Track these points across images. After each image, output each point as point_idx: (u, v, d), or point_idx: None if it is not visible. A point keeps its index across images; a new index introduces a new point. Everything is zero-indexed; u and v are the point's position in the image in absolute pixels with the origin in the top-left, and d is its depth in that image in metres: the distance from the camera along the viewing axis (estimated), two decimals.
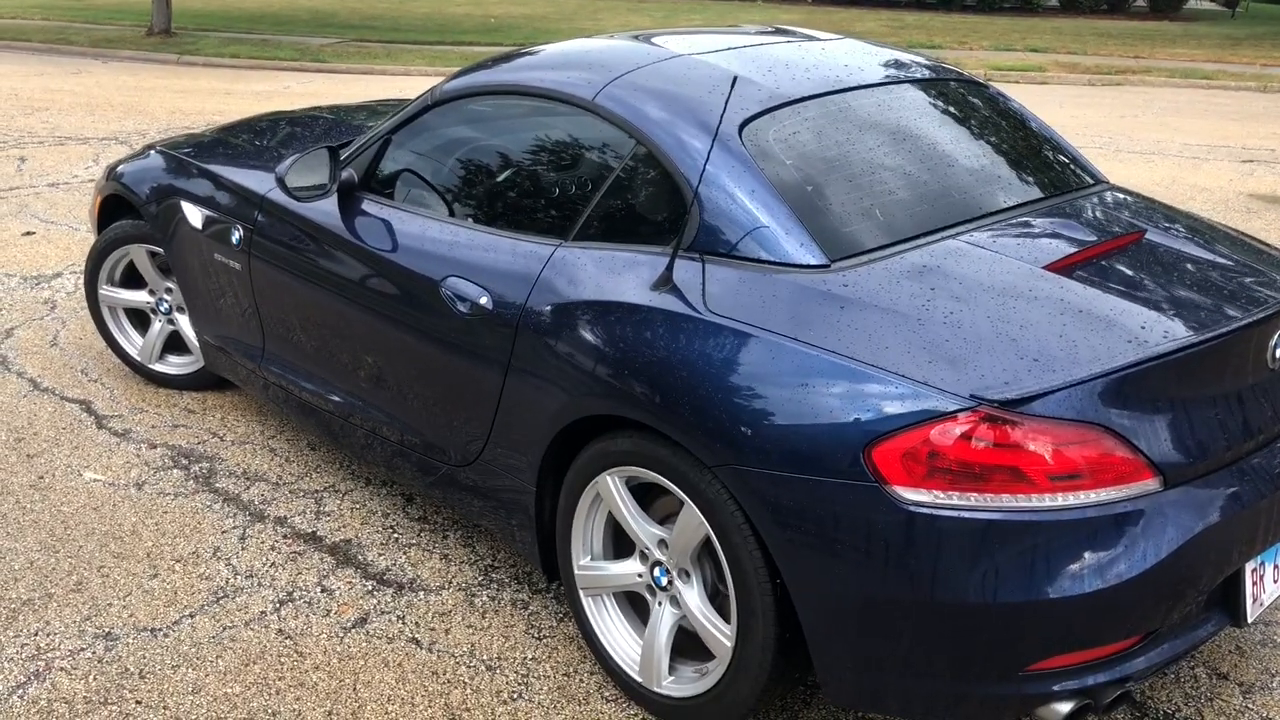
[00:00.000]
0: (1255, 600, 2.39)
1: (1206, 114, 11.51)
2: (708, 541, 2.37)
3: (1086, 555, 2.09)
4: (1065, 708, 2.19)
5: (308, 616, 2.92)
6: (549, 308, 2.61)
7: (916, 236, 2.52)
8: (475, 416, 2.83)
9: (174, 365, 4.25)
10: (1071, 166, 3.09)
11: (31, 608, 2.94)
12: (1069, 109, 11.75)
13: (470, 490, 2.95)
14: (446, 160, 3.13)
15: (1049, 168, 3.03)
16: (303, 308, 3.37)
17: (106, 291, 4.24)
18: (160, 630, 2.86)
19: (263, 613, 2.93)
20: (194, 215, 3.72)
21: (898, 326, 2.23)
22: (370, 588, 3.05)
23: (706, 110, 2.62)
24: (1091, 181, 3.06)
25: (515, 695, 2.65)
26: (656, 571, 2.54)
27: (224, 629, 2.87)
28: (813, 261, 2.38)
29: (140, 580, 3.07)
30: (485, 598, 3.02)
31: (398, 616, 2.93)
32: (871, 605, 2.17)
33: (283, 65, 14.31)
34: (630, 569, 2.61)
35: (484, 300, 2.75)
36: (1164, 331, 2.23)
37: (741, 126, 2.60)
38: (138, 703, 2.60)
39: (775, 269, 2.39)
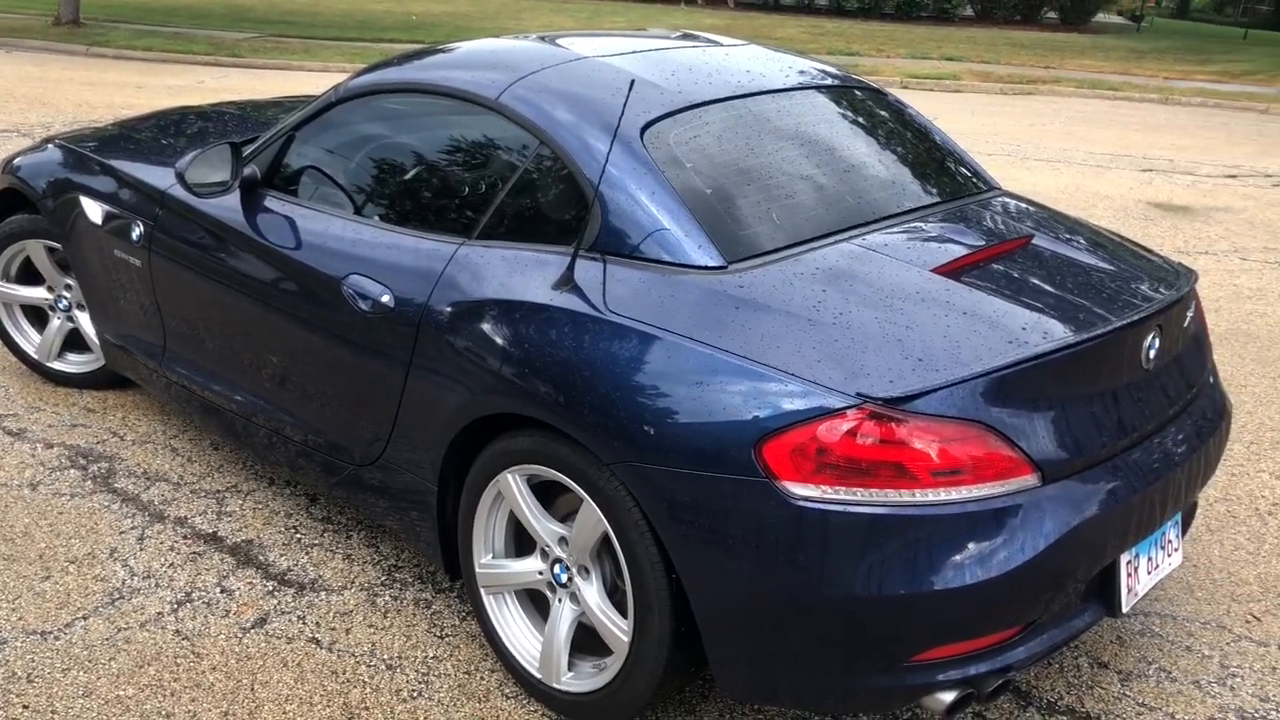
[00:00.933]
0: (1130, 591, 2.49)
1: (1111, 124, 11.87)
2: (607, 538, 2.40)
3: (968, 548, 2.16)
4: (949, 697, 2.26)
5: (206, 617, 2.89)
6: (451, 306, 2.62)
7: (813, 239, 2.57)
8: (377, 415, 2.83)
9: (73, 363, 4.16)
10: (966, 173, 3.18)
11: None
12: (980, 117, 12.04)
13: (373, 490, 2.95)
14: (351, 158, 3.12)
15: (944, 174, 3.12)
16: (205, 306, 3.33)
17: (2, 288, 4.14)
18: (51, 633, 2.81)
19: (159, 614, 2.89)
20: (94, 210, 3.65)
21: (790, 327, 2.29)
22: (271, 588, 3.03)
23: (609, 112, 2.65)
24: (985, 188, 3.15)
25: (415, 694, 2.65)
26: (557, 569, 2.57)
27: (118, 631, 2.82)
28: (710, 263, 2.43)
29: (31, 583, 3.00)
30: (388, 597, 3.01)
31: (298, 616, 2.91)
32: (763, 599, 2.21)
33: (197, 59, 14.03)
34: (531, 566, 2.63)
35: (386, 298, 2.75)
36: (1044, 332, 2.31)
37: (644, 129, 2.63)
38: (25, 707, 2.55)
39: (674, 270, 2.43)
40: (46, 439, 3.80)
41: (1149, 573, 2.57)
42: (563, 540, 2.54)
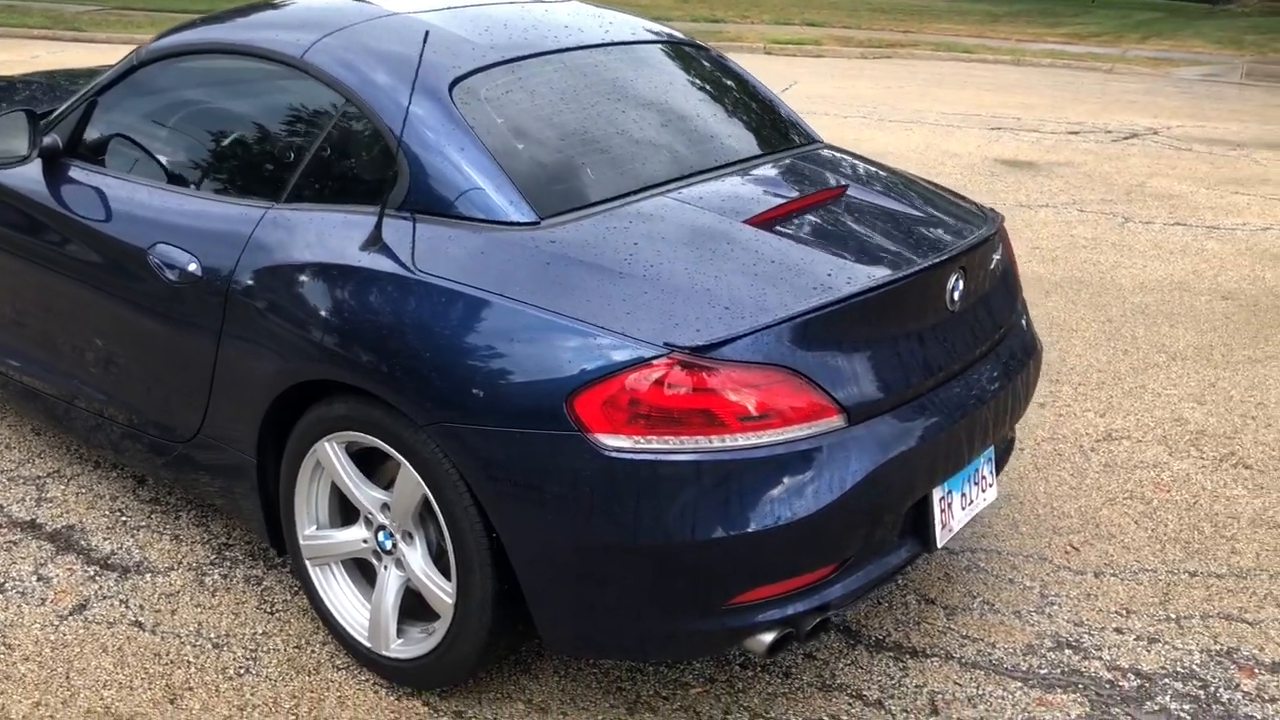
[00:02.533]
0: (944, 526, 2.57)
1: (965, 85, 12.18)
2: (427, 502, 2.38)
3: (778, 490, 2.19)
4: (769, 637, 2.30)
5: (20, 607, 2.77)
6: (258, 272, 2.55)
7: (629, 194, 2.57)
8: (192, 389, 2.74)
9: None
10: (787, 127, 3.22)
11: None
12: (839, 80, 12.23)
13: (195, 467, 2.86)
14: (155, 122, 3.00)
15: (765, 128, 3.16)
16: (13, 285, 3.17)
17: None
18: None
19: None
20: None
21: (600, 280, 2.28)
22: (92, 573, 2.92)
23: (414, 68, 2.60)
24: (806, 141, 3.19)
25: (242, 670, 2.59)
26: (381, 536, 2.53)
27: None
28: (522, 219, 2.41)
29: None
30: (217, 576, 2.93)
31: (120, 601, 2.81)
32: (581, 553, 2.22)
33: (33, 33, 13.35)
34: (355, 535, 2.59)
35: (192, 267, 2.65)
36: (848, 278, 2.36)
37: (453, 84, 2.59)
38: None
39: (485, 227, 2.40)
40: None
41: (963, 508, 2.65)
42: (385, 507, 2.50)
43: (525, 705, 2.53)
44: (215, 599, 2.84)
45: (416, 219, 2.45)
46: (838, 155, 3.15)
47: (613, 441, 2.14)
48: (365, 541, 2.57)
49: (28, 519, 3.15)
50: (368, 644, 2.57)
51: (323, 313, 2.42)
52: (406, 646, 2.53)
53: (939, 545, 2.56)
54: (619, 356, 2.15)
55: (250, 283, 2.55)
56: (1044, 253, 5.92)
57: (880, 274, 2.39)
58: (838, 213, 2.71)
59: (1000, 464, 2.96)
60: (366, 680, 2.59)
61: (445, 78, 2.59)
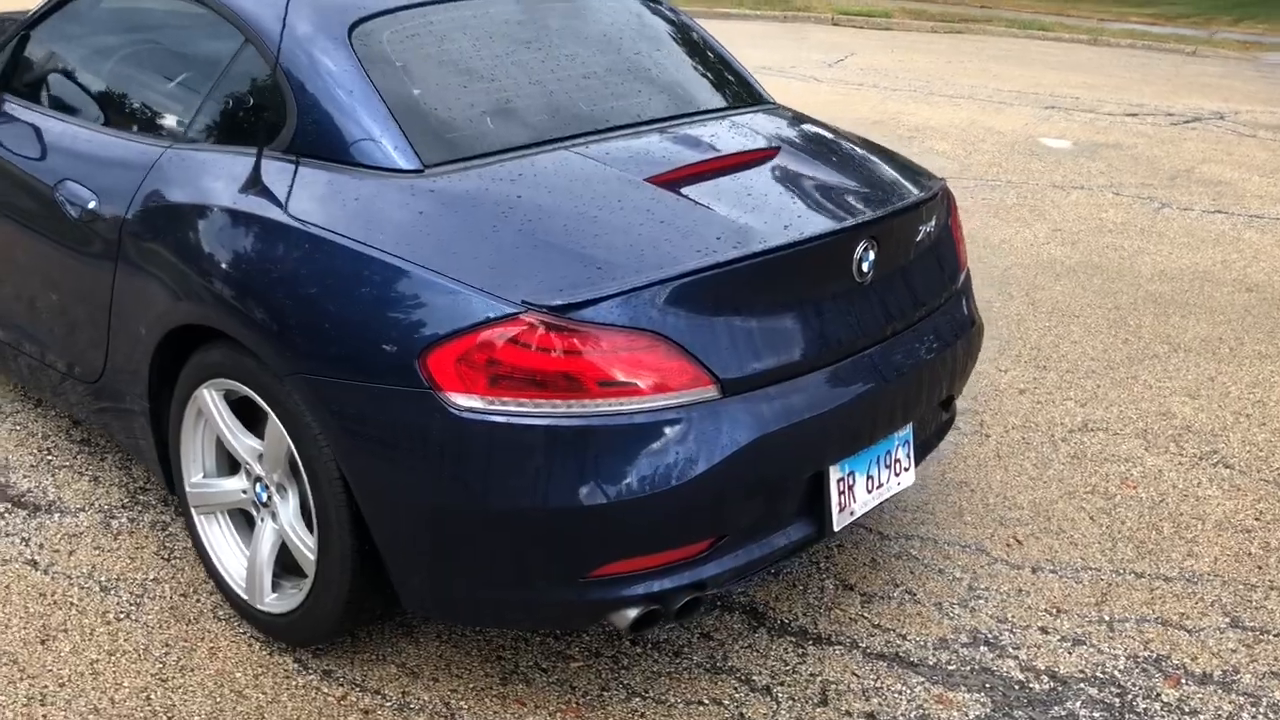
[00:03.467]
0: (843, 509, 2.43)
1: (1032, 64, 11.76)
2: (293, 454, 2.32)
3: (641, 461, 2.09)
4: (632, 613, 2.20)
5: None
6: (148, 211, 2.50)
7: (528, 145, 2.47)
8: (97, 330, 2.71)
9: None
10: (735, 86, 3.07)
11: None
12: (900, 53, 11.90)
13: (102, 409, 2.84)
14: (75, 59, 2.97)
15: (708, 86, 3.02)
16: None
17: None
18: None
19: None
20: None
21: (471, 233, 2.19)
22: (1, 510, 2.92)
23: (315, 8, 2.52)
24: (755, 102, 3.05)
25: (123, 615, 2.57)
26: (258, 487, 2.48)
27: None
28: (406, 166, 2.32)
29: None
30: (125, 520, 2.91)
31: (22, 539, 2.81)
32: (433, 514, 2.14)
33: None
34: (236, 485, 2.54)
35: (92, 204, 2.62)
36: (736, 242, 2.23)
37: (353, 26, 2.50)
38: None
39: (368, 173, 2.32)
40: None
41: (869, 491, 2.51)
42: (261, 457, 2.44)
43: (397, 669, 2.46)
44: (116, 542, 2.82)
45: (301, 163, 2.37)
46: (782, 117, 3.00)
47: (465, 401, 2.05)
48: (244, 492, 2.52)
49: None
50: (244, 596, 2.53)
51: (198, 257, 2.37)
52: (280, 600, 2.48)
53: (835, 528, 2.43)
54: (475, 313, 2.05)
55: (140, 223, 2.50)
56: (1065, 235, 5.66)
57: (775, 239, 2.25)
58: (757, 176, 2.57)
59: (928, 447, 2.80)
60: (244, 633, 2.55)
61: (346, 19, 2.51)
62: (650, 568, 2.20)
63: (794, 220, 2.36)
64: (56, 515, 2.92)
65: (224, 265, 2.31)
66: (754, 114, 2.95)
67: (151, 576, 2.70)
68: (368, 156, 2.33)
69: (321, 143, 2.37)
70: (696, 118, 2.81)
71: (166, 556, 2.78)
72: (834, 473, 2.40)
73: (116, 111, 2.80)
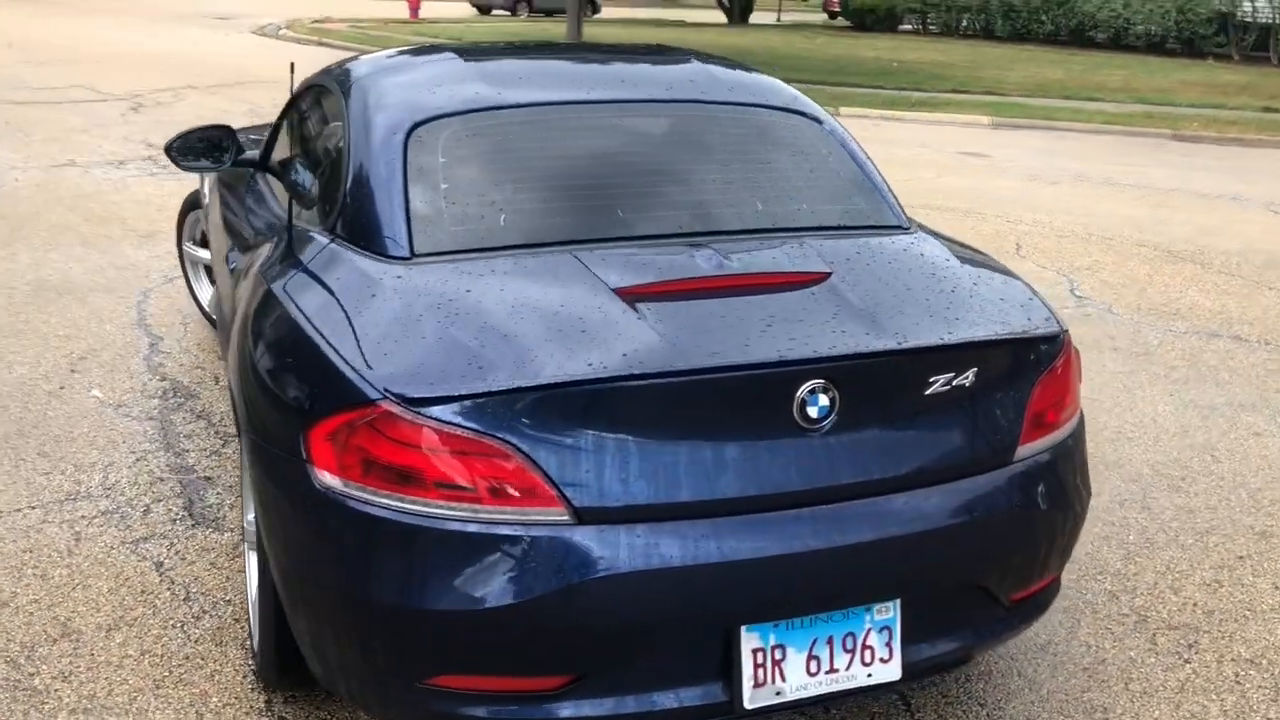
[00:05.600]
0: (761, 684, 2.10)
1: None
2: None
3: (468, 572, 2.00)
4: None
5: None
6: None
7: (536, 245, 2.47)
8: None
9: None
10: (860, 203, 2.81)
11: None
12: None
13: None
14: (280, 149, 3.50)
15: (814, 202, 2.80)
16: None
17: None
18: None
19: None
20: None
21: (393, 318, 2.24)
22: (175, 518, 3.44)
23: (389, 109, 2.76)
24: (872, 220, 2.75)
25: (179, 624, 2.89)
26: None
27: None
28: (395, 254, 2.45)
29: None
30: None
31: (168, 544, 3.26)
32: (304, 586, 2.21)
33: None
34: None
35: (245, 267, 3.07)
36: (638, 361, 2.04)
37: (415, 126, 2.68)
38: None
39: (364, 256, 2.49)
40: None
41: (812, 674, 2.13)
42: None
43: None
44: (231, 563, 3.19)
45: (334, 242, 2.59)
46: (894, 237, 2.67)
47: (327, 479, 2.11)
48: None
49: None
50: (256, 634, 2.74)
51: (245, 319, 2.70)
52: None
53: (747, 704, 2.10)
54: (347, 394, 2.11)
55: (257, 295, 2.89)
56: None
57: (678, 364, 2.03)
58: (768, 299, 2.28)
59: (950, 646, 2.28)
60: (250, 665, 2.76)
61: (412, 119, 2.71)
62: (493, 690, 2.07)
63: (737, 348, 2.10)
64: (210, 531, 3.37)
65: (249, 321, 2.61)
66: (852, 234, 2.67)
67: (226, 598, 3.03)
68: (373, 242, 2.49)
69: (352, 227, 2.58)
70: (769, 234, 2.62)
71: None
72: (749, 639, 2.08)
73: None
